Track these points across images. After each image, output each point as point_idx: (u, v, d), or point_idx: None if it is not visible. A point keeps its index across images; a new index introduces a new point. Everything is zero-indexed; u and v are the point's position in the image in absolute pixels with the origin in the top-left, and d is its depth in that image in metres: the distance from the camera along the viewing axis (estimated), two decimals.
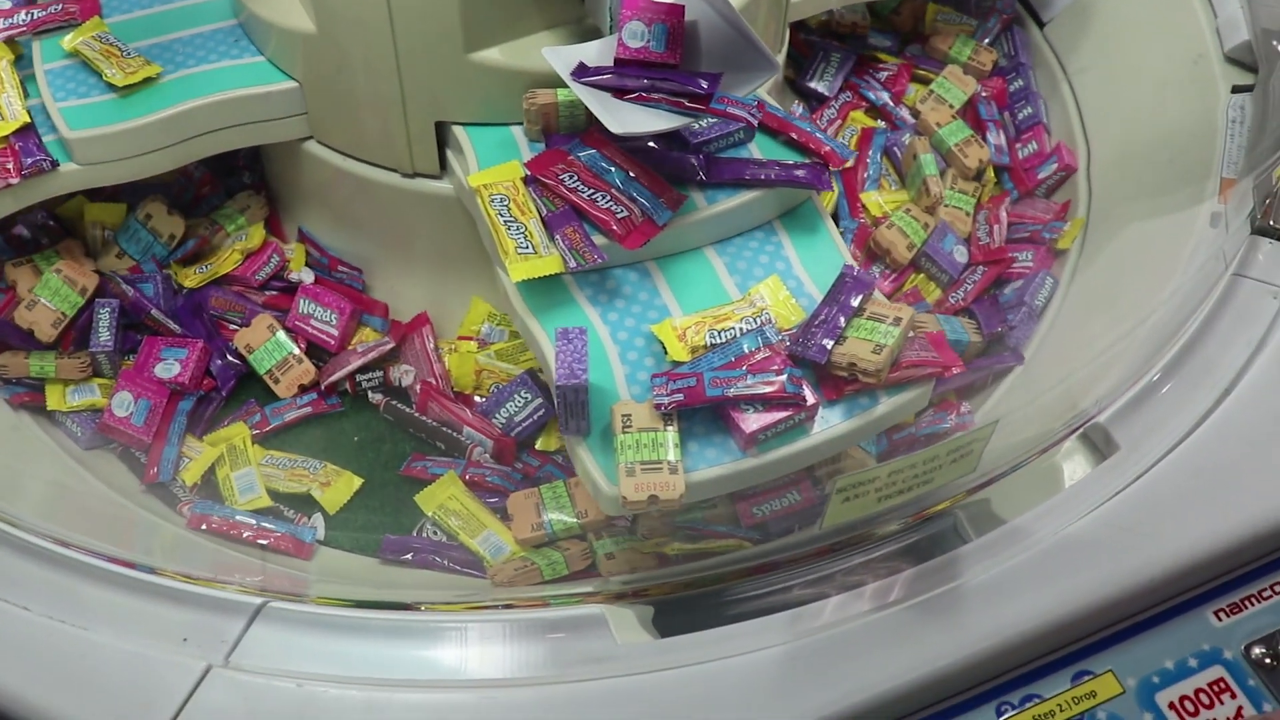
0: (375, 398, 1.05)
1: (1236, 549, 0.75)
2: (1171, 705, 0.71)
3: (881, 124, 1.24)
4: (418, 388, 1.04)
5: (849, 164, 1.15)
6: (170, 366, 1.02)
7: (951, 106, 1.22)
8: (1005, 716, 0.71)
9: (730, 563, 0.79)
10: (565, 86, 0.85)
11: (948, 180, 1.16)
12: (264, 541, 0.93)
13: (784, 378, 0.77)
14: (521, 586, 0.89)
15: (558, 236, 0.83)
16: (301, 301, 1.06)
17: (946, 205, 1.14)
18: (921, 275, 1.12)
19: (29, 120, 0.97)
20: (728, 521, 0.92)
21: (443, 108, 0.94)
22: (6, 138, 0.96)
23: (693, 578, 0.78)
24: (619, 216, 0.84)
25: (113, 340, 1.02)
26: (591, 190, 0.85)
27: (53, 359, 1.02)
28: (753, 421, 0.76)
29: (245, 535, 0.94)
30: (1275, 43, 1.05)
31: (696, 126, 0.89)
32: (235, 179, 1.16)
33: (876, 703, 0.68)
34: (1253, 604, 0.75)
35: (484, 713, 0.68)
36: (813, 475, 0.94)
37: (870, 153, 1.19)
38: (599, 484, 0.76)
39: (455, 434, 1.01)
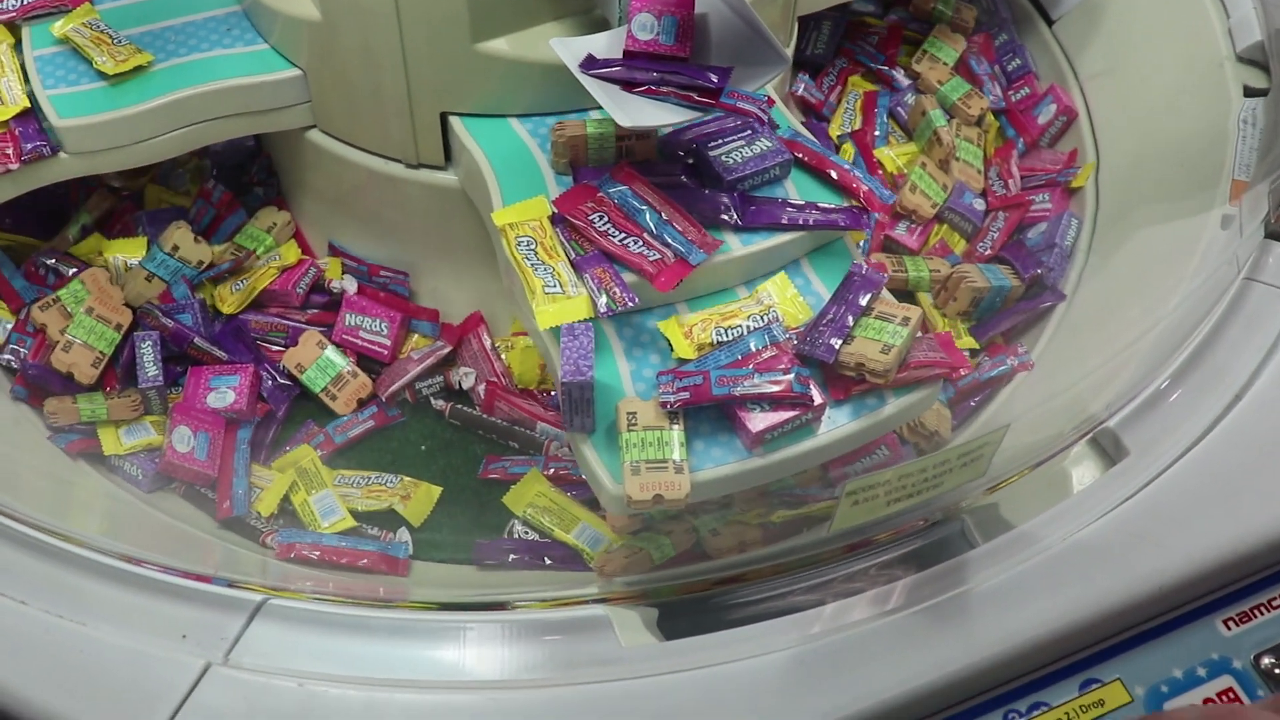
0: (438, 404, 1.04)
1: (1247, 557, 0.74)
2: None
3: (879, 87, 1.28)
4: (481, 389, 1.03)
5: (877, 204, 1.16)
6: (224, 395, 0.99)
7: (946, 64, 1.26)
8: None
9: (736, 565, 0.78)
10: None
11: (953, 128, 1.20)
12: (363, 562, 0.92)
13: (791, 377, 0.76)
14: (634, 574, 0.88)
15: (587, 276, 0.80)
16: (347, 315, 1.05)
17: (958, 158, 1.18)
18: (945, 226, 1.16)
19: (29, 105, 0.96)
20: (822, 484, 0.92)
21: (449, 98, 0.93)
22: (6, 122, 0.94)
23: (699, 580, 0.78)
24: (651, 259, 0.81)
25: (161, 374, 0.99)
26: (623, 235, 0.82)
27: (102, 400, 0.98)
28: (759, 421, 0.76)
29: (342, 560, 0.92)
30: None
31: (730, 162, 0.87)
32: (251, 195, 1.14)
33: (882, 709, 0.67)
34: (1262, 613, 0.74)
35: (484, 714, 0.67)
36: (898, 433, 0.94)
37: (876, 114, 1.23)
38: (603, 482, 0.76)
39: (529, 431, 1.01)
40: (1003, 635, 0.70)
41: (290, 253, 1.09)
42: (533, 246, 0.82)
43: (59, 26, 0.99)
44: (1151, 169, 1.11)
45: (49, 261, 1.06)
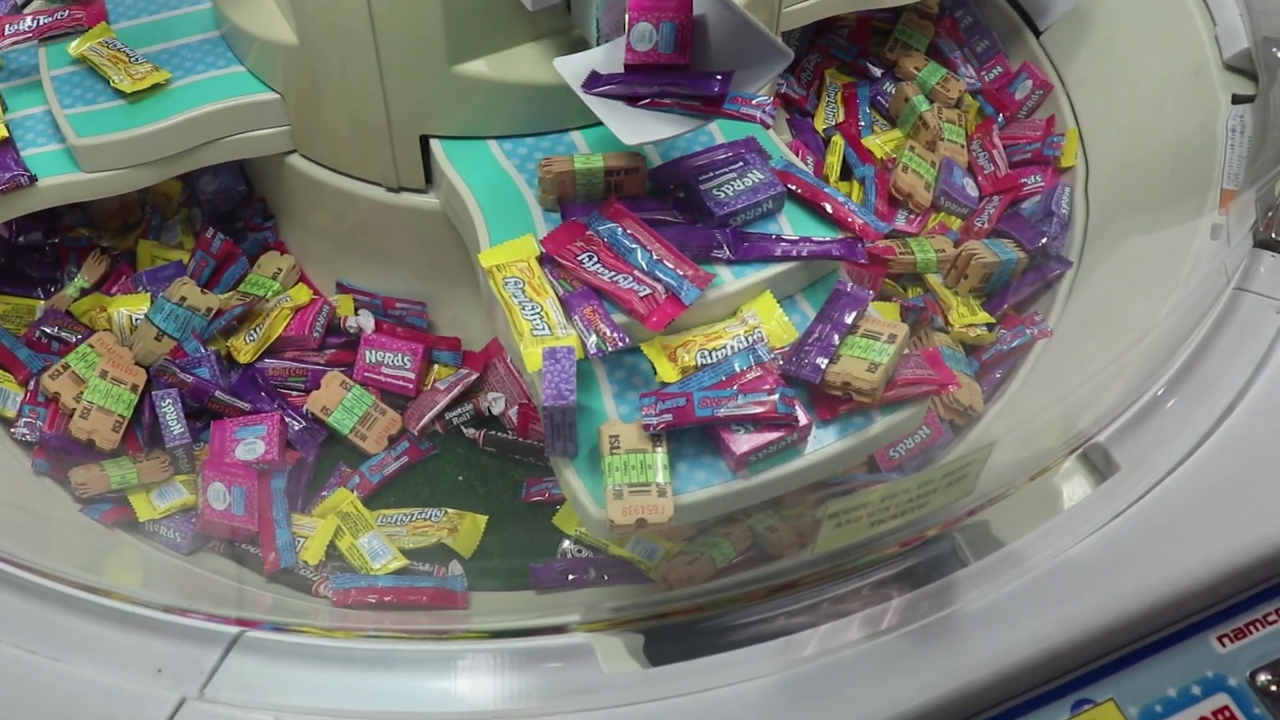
0: (470, 432, 1.03)
1: (1241, 572, 0.73)
2: None
3: (855, 78, 1.30)
4: (512, 413, 1.02)
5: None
6: (253, 446, 0.97)
7: (919, 50, 1.29)
8: None
9: (721, 589, 0.77)
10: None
11: (936, 111, 1.24)
12: (422, 599, 0.90)
13: (776, 398, 0.75)
14: (697, 582, 0.87)
15: (575, 317, 0.78)
16: (368, 352, 1.03)
17: (944, 139, 1.20)
18: (942, 213, 1.18)
19: (7, 135, 0.96)
20: (869, 469, 0.92)
21: (428, 121, 0.92)
22: None
23: (683, 605, 0.77)
24: (641, 295, 0.79)
25: (186, 431, 0.96)
26: (613, 273, 0.80)
27: (131, 465, 0.96)
28: (744, 442, 0.75)
29: (405, 600, 0.90)
30: (1276, 51, 1.03)
31: (722, 196, 0.85)
32: (250, 242, 1.12)
33: None
34: (1258, 629, 0.73)
35: None
36: (935, 409, 0.94)
37: (858, 104, 1.26)
38: (586, 507, 0.75)
39: None
40: (993, 656, 0.68)
41: (301, 293, 1.07)
42: (520, 285, 0.81)
43: (75, 46, 1.00)
44: (1140, 178, 1.11)
45: (51, 330, 1.04)
